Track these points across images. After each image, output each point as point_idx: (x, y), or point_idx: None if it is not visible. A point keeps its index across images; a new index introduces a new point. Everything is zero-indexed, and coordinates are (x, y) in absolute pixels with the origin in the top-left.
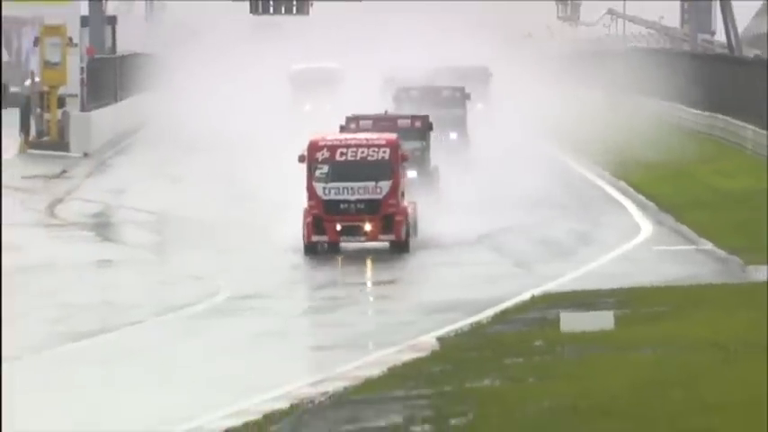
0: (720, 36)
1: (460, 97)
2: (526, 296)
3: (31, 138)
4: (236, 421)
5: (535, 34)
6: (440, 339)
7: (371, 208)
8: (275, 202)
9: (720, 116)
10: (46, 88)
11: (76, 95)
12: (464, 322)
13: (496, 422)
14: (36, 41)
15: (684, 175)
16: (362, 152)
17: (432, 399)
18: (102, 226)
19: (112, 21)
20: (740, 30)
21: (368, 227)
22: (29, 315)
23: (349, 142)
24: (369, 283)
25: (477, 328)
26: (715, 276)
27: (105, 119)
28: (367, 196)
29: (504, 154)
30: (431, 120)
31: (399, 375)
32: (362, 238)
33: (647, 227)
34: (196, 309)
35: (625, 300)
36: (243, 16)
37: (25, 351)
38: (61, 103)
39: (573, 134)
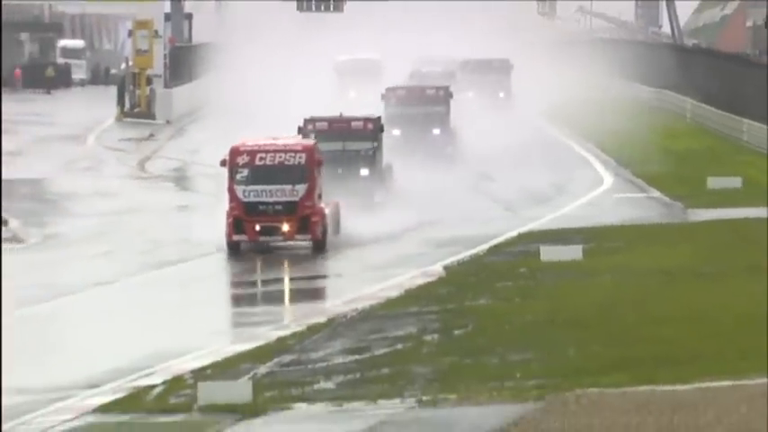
0: (666, 28)
1: (444, 96)
2: (514, 233)
3: (125, 109)
4: (285, 332)
5: (519, 27)
6: (446, 267)
7: (288, 209)
8: None
9: (666, 92)
10: (137, 70)
11: (161, 76)
12: (464, 254)
13: (490, 332)
14: (129, 33)
15: (639, 137)
16: (280, 157)
17: (439, 314)
18: (180, 178)
19: (189, 17)
20: (682, 23)
21: (285, 227)
22: (123, 248)
23: (267, 148)
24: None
25: (474, 258)
26: (662, 218)
27: (183, 94)
28: (284, 198)
29: (509, 126)
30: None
31: (414, 296)
32: (281, 238)
33: (608, 179)
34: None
35: (591, 236)
36: (293, 13)
37: (120, 276)
38: (149, 81)
39: (563, 109)
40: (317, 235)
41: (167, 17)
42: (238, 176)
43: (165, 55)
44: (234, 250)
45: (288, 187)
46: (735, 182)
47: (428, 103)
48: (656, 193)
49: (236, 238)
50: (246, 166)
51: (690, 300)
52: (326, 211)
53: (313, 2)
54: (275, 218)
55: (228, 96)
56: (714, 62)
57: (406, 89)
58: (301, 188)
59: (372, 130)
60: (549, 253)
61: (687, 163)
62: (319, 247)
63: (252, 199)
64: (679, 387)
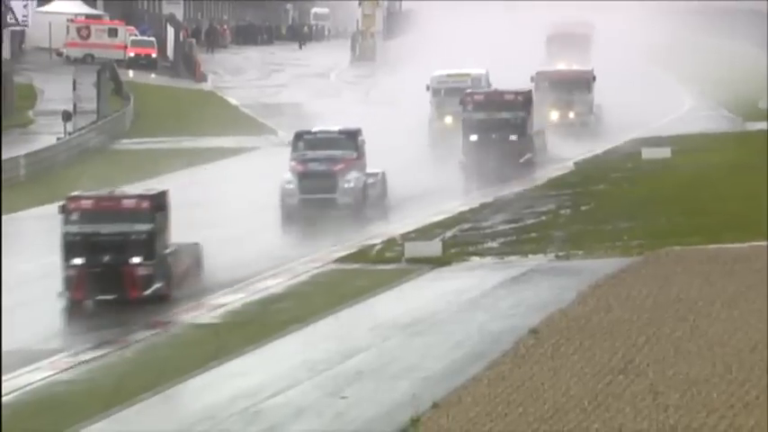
0: None
1: (352, 140)
2: (622, 140)
3: (356, 55)
4: (465, 207)
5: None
6: (575, 163)
7: None
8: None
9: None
10: (364, 28)
11: (380, 32)
12: (588, 155)
13: (606, 208)
14: (359, 3)
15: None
16: None
17: (570, 196)
18: (391, 102)
19: None
20: None
21: None
22: None
23: None
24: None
25: (594, 157)
26: (727, 128)
27: (393, 45)
28: None
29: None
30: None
31: (553, 183)
32: None
33: (690, 102)
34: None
35: (678, 141)
36: None
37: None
38: (372, 36)
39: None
40: None
41: None
42: None
43: (383, 18)
44: None
45: None
46: None
47: (336, 146)
48: (725, 112)
49: None
50: None
51: (746, 183)
52: None
53: None
54: None
55: (421, 48)
56: None
57: (314, 134)
58: None
59: (148, 209)
60: (647, 153)
61: (744, 91)
62: None
63: None
64: (737, 245)
